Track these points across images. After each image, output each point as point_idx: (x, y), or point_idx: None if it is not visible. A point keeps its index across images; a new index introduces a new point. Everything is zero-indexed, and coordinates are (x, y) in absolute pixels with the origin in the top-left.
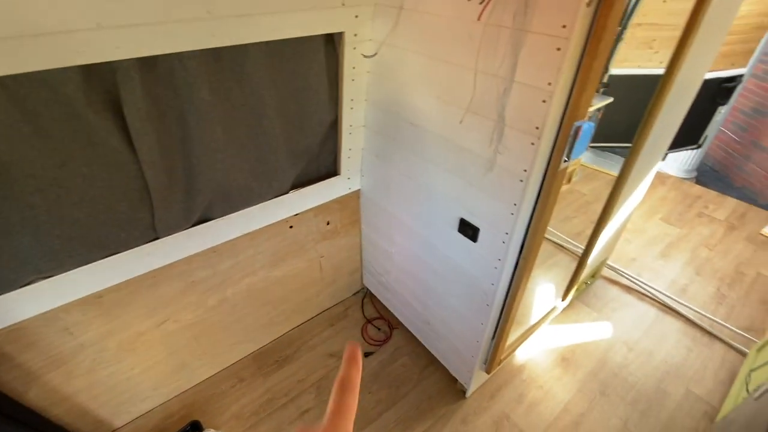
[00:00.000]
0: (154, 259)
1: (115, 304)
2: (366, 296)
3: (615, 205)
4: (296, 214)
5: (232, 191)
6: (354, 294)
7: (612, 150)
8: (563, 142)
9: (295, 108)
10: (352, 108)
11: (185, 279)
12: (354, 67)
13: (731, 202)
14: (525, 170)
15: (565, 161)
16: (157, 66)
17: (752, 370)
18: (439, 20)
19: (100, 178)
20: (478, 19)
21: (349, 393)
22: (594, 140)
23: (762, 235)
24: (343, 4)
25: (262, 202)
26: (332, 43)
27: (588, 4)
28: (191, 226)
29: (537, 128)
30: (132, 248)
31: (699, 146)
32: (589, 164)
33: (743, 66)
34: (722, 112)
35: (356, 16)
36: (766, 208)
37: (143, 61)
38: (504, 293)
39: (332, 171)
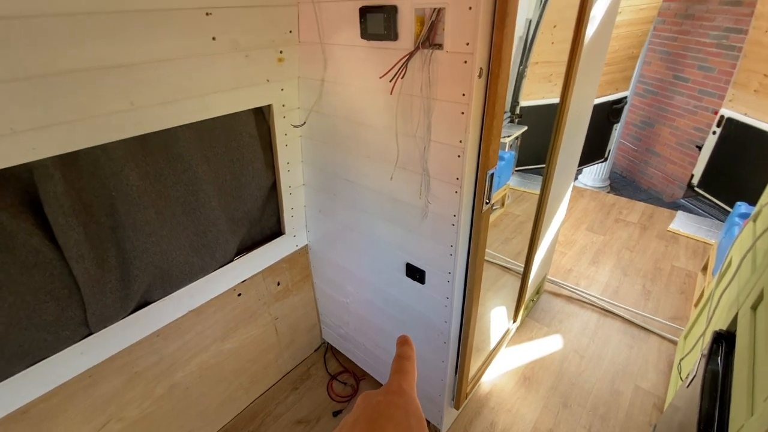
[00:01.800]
0: (89, 357)
1: (46, 416)
2: (328, 351)
3: (542, 222)
4: (244, 281)
5: (172, 270)
6: (315, 350)
7: (535, 171)
8: (482, 188)
9: (232, 178)
10: (288, 170)
11: (127, 371)
12: (286, 134)
13: (640, 206)
14: (454, 215)
15: (487, 203)
16: (79, 160)
17: (682, 359)
18: (358, 91)
19: (20, 282)
20: (390, 93)
21: (407, 360)
22: (518, 164)
23: (669, 231)
24: (268, 80)
25: (206, 275)
26: (262, 113)
27: (479, 76)
28: (129, 314)
29: (457, 179)
30: (61, 350)
31: (605, 159)
32: (518, 187)
33: (626, 89)
34: (618, 128)
35: (282, 89)
36: (668, 207)
37: (63, 157)
38: (458, 328)
39: (277, 231)
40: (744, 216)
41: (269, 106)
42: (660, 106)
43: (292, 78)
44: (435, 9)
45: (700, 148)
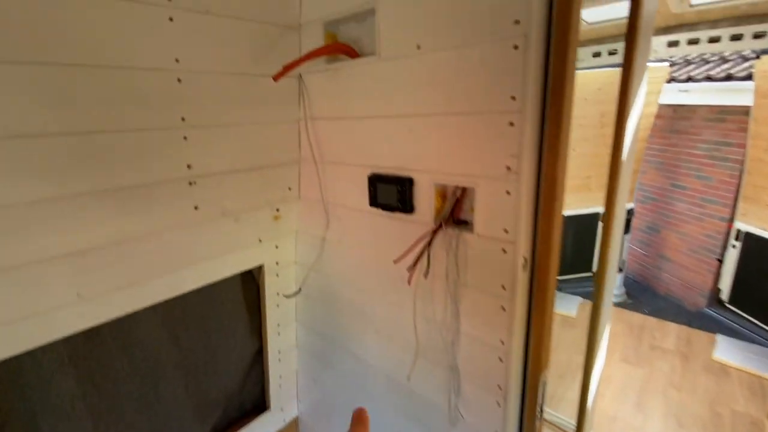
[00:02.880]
0: None
1: None
2: None
3: (594, 357)
4: None
5: None
6: None
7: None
8: (533, 398)
9: (206, 354)
10: (279, 333)
11: None
12: (278, 293)
13: (673, 328)
14: (496, 431)
15: (539, 417)
16: None
17: None
18: (365, 258)
19: None
20: (408, 283)
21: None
22: None
23: (714, 361)
24: (261, 240)
25: None
26: (251, 273)
27: (524, 268)
28: None
29: (500, 387)
30: None
31: (621, 270)
32: None
33: (631, 201)
34: (627, 237)
35: (276, 247)
36: (700, 322)
37: None
38: None
39: (260, 404)
40: None
41: (260, 267)
42: (663, 212)
43: (289, 233)
44: (459, 187)
45: (720, 261)
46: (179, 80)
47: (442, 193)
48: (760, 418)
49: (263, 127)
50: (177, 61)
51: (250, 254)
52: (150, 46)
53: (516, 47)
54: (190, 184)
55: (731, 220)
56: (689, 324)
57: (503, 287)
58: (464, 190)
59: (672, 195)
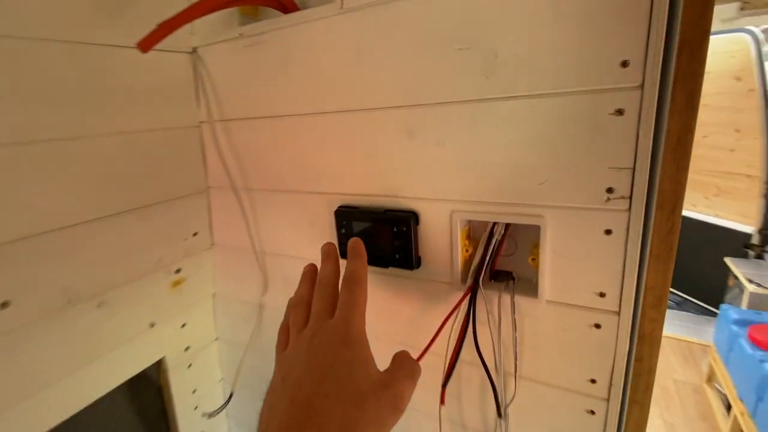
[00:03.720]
0: None
1: None
2: None
3: None
4: None
5: None
6: None
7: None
8: None
9: None
10: None
11: None
12: (195, 390)
13: None
14: None
15: None
16: None
17: None
18: None
19: None
20: (442, 402)
21: (356, 285)
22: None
23: None
24: (153, 324)
25: None
26: (145, 375)
27: (630, 355)
28: None
29: None
30: None
31: None
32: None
33: None
34: None
35: (183, 326)
36: None
37: None
38: None
39: None
40: (741, 323)
41: (159, 362)
42: None
43: (202, 300)
44: (500, 224)
45: None
46: None
47: (466, 232)
48: (699, 384)
49: (133, 138)
50: None
51: (137, 350)
52: None
53: None
54: None
55: None
56: None
57: (592, 381)
58: (507, 227)
59: None
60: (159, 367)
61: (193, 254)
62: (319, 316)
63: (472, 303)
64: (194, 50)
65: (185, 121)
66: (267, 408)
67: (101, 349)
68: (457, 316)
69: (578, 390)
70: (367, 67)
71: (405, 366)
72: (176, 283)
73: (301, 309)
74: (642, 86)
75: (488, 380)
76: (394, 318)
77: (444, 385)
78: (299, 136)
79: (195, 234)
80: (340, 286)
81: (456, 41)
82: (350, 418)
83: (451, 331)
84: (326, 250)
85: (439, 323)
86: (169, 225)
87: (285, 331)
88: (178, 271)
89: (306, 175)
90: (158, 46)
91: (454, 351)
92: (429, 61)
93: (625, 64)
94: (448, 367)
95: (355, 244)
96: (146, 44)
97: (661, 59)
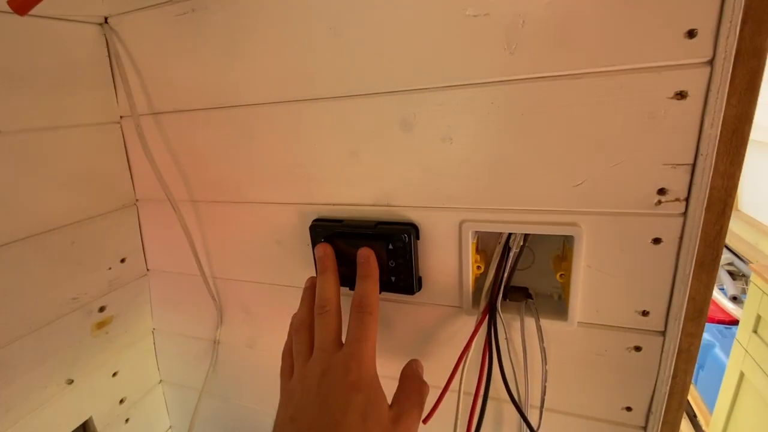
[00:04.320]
0: None
1: None
2: None
3: None
4: None
5: None
6: None
7: None
8: None
9: None
10: None
11: None
12: None
13: None
14: None
15: None
16: None
17: None
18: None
19: None
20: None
21: (368, 314)
22: None
23: None
24: (72, 381)
25: None
26: None
27: (673, 377)
28: None
29: None
30: None
31: None
32: None
33: None
34: None
35: (114, 374)
36: None
37: None
38: None
39: None
40: None
41: (84, 424)
42: None
43: (138, 339)
44: (519, 236)
45: None
46: None
47: (477, 245)
48: None
49: (18, 142)
50: None
51: (51, 416)
52: None
53: None
54: None
55: None
56: None
57: (628, 409)
58: (526, 237)
59: None
60: (85, 430)
61: (120, 286)
62: (324, 349)
63: (492, 329)
64: (105, 20)
65: (98, 116)
66: None
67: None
68: (492, 347)
69: (611, 419)
70: (350, 40)
71: (412, 395)
72: (100, 325)
73: (303, 335)
74: (712, 62)
75: (519, 417)
76: (390, 351)
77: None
78: (258, 131)
79: (122, 260)
80: (350, 311)
81: (468, 4)
82: None
83: (465, 365)
84: (321, 260)
85: (445, 354)
86: (83, 253)
87: (289, 355)
88: (102, 309)
89: (268, 181)
90: (47, 10)
91: (477, 389)
92: (432, 31)
93: (691, 33)
94: (473, 412)
95: (366, 257)
96: (21, 4)
97: (738, 28)
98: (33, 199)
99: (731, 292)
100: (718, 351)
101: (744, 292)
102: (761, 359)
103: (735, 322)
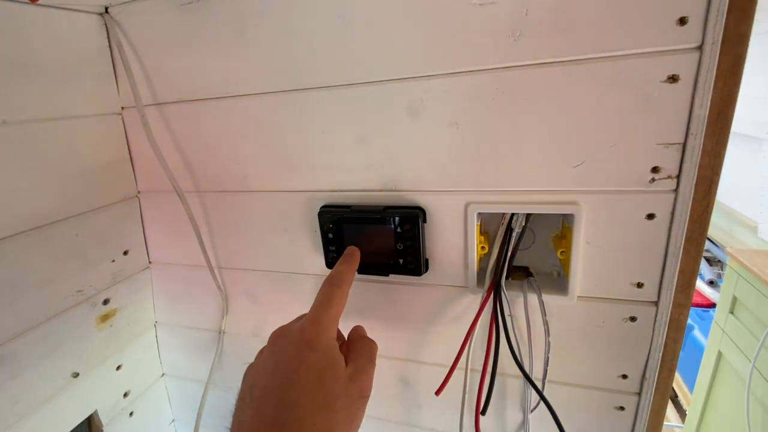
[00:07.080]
0: None
1: None
2: None
3: None
4: None
5: None
6: None
7: None
8: None
9: None
10: None
11: None
12: None
13: None
14: None
15: None
16: None
17: None
18: None
19: None
20: (437, 393)
21: (337, 287)
22: None
23: None
24: (77, 375)
25: None
26: None
27: (665, 345)
28: None
29: None
30: None
31: None
32: None
33: None
34: None
35: (118, 368)
36: None
37: None
38: None
39: None
40: None
41: (89, 418)
42: None
43: (141, 333)
44: (521, 216)
45: None
46: None
47: (480, 226)
48: None
49: (22, 132)
50: None
51: (57, 410)
52: None
53: None
54: None
55: None
56: None
57: (623, 377)
58: (528, 217)
59: None
60: (90, 423)
61: (124, 278)
62: (298, 318)
63: (497, 306)
64: (105, 10)
65: (99, 107)
66: (236, 425)
67: (5, 420)
68: (500, 323)
69: (607, 387)
70: (357, 28)
71: (364, 352)
72: (105, 318)
73: None
74: (701, 48)
75: (522, 391)
76: (398, 331)
77: (483, 413)
78: (264, 120)
79: (125, 253)
80: (322, 284)
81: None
82: (322, 426)
83: (472, 342)
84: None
85: (452, 332)
86: (87, 245)
87: None
88: (106, 302)
89: (275, 169)
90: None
91: (484, 365)
92: (439, 20)
93: (683, 21)
94: (481, 387)
95: (351, 250)
96: None
97: (725, 15)
98: (36, 191)
99: (708, 276)
100: (697, 333)
101: (720, 276)
102: (737, 338)
103: (712, 306)
